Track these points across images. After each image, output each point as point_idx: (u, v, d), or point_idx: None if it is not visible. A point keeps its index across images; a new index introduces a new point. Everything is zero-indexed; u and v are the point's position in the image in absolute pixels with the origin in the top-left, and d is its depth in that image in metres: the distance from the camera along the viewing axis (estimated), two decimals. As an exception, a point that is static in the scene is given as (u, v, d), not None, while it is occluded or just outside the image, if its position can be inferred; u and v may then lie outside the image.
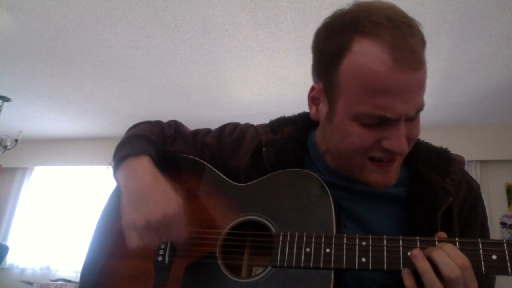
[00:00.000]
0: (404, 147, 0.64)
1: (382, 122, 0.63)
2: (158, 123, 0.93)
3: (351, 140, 0.66)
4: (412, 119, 0.65)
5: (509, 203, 3.98)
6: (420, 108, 0.64)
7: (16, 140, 4.49)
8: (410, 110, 0.62)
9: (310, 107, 0.75)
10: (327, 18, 0.69)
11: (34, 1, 2.58)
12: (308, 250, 0.64)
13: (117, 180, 0.80)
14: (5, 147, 4.54)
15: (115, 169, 0.80)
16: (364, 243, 0.61)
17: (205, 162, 0.86)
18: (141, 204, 0.71)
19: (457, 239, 0.58)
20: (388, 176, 0.69)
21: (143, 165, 0.77)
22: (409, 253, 0.58)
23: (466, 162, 0.77)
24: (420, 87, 0.63)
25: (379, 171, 0.68)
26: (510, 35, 2.66)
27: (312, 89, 0.73)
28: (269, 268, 0.66)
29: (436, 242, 0.59)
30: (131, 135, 0.87)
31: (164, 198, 0.71)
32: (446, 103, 3.74)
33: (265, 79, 3.51)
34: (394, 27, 0.61)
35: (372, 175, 0.68)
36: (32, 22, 2.81)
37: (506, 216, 3.94)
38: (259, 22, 2.69)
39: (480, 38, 2.70)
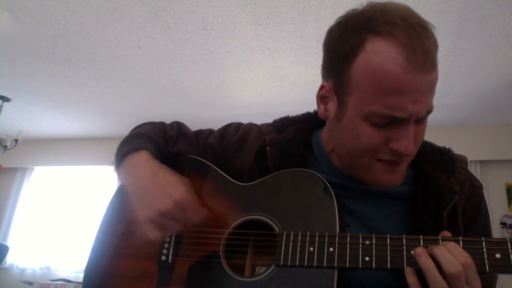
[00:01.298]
0: (412, 149, 0.64)
1: (392, 122, 0.63)
2: (160, 124, 0.93)
3: (360, 140, 0.66)
4: (421, 120, 0.65)
5: (509, 203, 3.98)
6: (430, 110, 0.64)
7: (16, 140, 4.49)
8: (421, 110, 0.62)
9: (318, 105, 0.75)
10: (340, 17, 0.69)
11: (34, 1, 2.58)
12: (311, 249, 0.64)
13: (120, 178, 0.81)
14: (5, 147, 4.54)
15: (117, 168, 0.81)
16: (367, 242, 0.61)
17: (208, 162, 0.86)
18: (148, 197, 0.72)
19: (460, 238, 0.58)
20: (395, 176, 0.69)
21: (142, 159, 0.78)
22: (412, 252, 0.58)
23: (468, 162, 0.77)
24: (431, 88, 0.63)
25: (386, 170, 0.68)
26: (510, 35, 2.66)
27: (322, 87, 0.72)
28: (273, 267, 0.66)
29: (440, 241, 0.59)
30: (132, 134, 0.88)
31: (167, 185, 0.72)
32: (446, 103, 3.74)
33: (265, 79, 3.51)
34: (409, 28, 0.61)
35: (379, 175, 0.68)
36: (32, 22, 2.81)
37: (506, 216, 3.94)
38: (259, 22, 2.69)
39: (480, 38, 2.70)
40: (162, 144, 0.88)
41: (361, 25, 0.64)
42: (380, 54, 0.61)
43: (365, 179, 0.70)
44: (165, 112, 4.31)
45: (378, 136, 0.64)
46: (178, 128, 0.94)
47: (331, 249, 0.63)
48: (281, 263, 0.65)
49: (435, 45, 0.63)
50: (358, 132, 0.65)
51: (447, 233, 0.60)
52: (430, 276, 0.55)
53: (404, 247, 0.59)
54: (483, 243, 0.57)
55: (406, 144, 0.63)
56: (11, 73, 3.62)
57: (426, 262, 0.56)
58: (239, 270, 0.72)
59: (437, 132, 4.10)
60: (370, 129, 0.64)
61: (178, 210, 0.70)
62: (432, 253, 0.56)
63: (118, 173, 0.81)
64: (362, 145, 0.66)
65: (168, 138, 0.91)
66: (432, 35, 0.63)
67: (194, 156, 0.88)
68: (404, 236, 0.60)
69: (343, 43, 0.66)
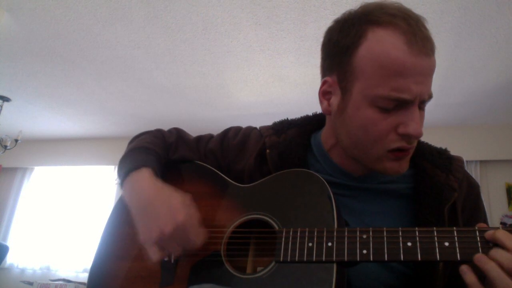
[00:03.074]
0: (420, 130, 0.65)
1: (397, 106, 0.65)
2: (158, 132, 0.93)
3: (368, 130, 0.67)
4: (423, 104, 0.67)
5: (509, 203, 3.98)
6: (430, 95, 0.67)
7: (16, 140, 4.49)
8: (424, 92, 0.65)
9: (321, 101, 0.76)
10: (337, 18, 0.72)
11: (34, 1, 2.58)
12: (310, 244, 0.65)
13: (124, 197, 0.82)
14: (5, 147, 4.54)
15: (121, 186, 0.82)
16: (365, 236, 0.62)
17: (209, 166, 0.87)
18: (151, 219, 0.71)
19: (455, 228, 0.59)
20: (402, 164, 0.70)
21: (144, 178, 0.78)
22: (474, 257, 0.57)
23: (465, 162, 0.79)
24: (431, 72, 0.66)
25: (395, 159, 0.69)
26: (510, 35, 2.66)
27: (324, 82, 0.74)
28: (273, 263, 0.67)
29: (435, 233, 0.59)
30: (132, 148, 0.87)
31: (170, 208, 0.72)
32: (446, 103, 3.74)
33: (265, 79, 3.51)
34: (407, 17, 0.65)
35: (388, 164, 0.69)
36: (32, 22, 2.81)
37: (506, 216, 3.94)
38: (259, 22, 2.69)
39: (480, 38, 2.71)
40: (163, 154, 0.88)
41: (361, 18, 0.67)
42: (382, 41, 0.64)
43: (374, 168, 0.71)
44: (165, 112, 4.31)
45: (385, 123, 0.66)
46: (177, 134, 0.94)
47: (329, 244, 0.63)
48: (281, 259, 0.66)
49: (430, 34, 0.66)
50: (364, 120, 0.67)
51: (483, 225, 0.60)
52: (495, 275, 0.53)
53: (401, 238, 0.60)
54: (477, 232, 0.58)
55: (414, 126, 0.65)
56: (11, 73, 3.63)
57: (489, 264, 0.54)
58: (241, 268, 0.73)
59: (437, 132, 4.12)
60: (376, 116, 0.66)
61: (179, 232, 0.70)
62: (491, 255, 0.55)
63: (122, 191, 0.82)
64: (372, 135, 0.67)
65: (168, 145, 0.91)
66: (426, 25, 0.67)
67: (195, 161, 0.89)
68: (400, 228, 0.61)
69: (345, 37, 0.68)
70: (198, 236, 0.72)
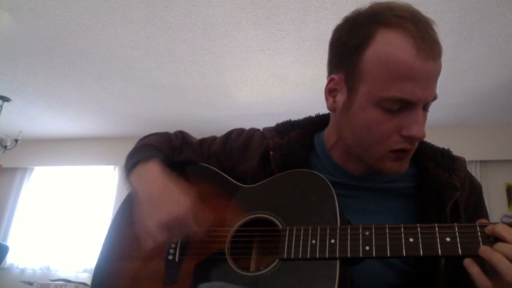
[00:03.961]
0: (423, 132, 0.66)
1: (401, 108, 0.65)
2: (165, 134, 0.96)
3: (373, 131, 0.68)
4: (426, 107, 0.68)
5: (509, 203, 3.98)
6: (435, 97, 0.67)
7: (16, 140, 4.49)
8: (429, 96, 0.65)
9: (326, 99, 0.76)
10: (346, 16, 0.73)
11: (34, 1, 2.58)
12: (313, 241, 0.65)
13: (130, 186, 0.84)
14: (5, 147, 4.54)
15: (128, 176, 0.84)
16: (367, 232, 0.63)
17: (212, 167, 0.88)
18: (154, 208, 0.74)
19: (456, 224, 0.60)
20: (403, 164, 0.71)
21: (153, 169, 0.80)
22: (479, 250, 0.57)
23: (467, 162, 0.79)
24: (437, 76, 0.66)
25: (396, 159, 0.70)
26: (510, 35, 2.67)
27: (331, 80, 0.74)
28: (276, 261, 0.67)
29: (436, 228, 0.60)
30: (140, 145, 0.91)
31: (178, 193, 0.74)
32: (446, 103, 3.74)
33: (265, 79, 3.51)
34: (416, 20, 0.65)
35: (389, 163, 0.70)
36: (32, 22, 2.81)
37: (506, 216, 3.94)
38: (259, 22, 2.69)
39: (480, 38, 2.71)
40: (169, 154, 0.90)
41: (370, 19, 0.68)
42: (391, 44, 0.64)
43: (375, 166, 0.72)
44: (165, 112, 4.32)
45: (389, 124, 0.66)
46: (182, 137, 0.96)
47: (332, 241, 0.64)
48: (285, 256, 0.66)
49: (439, 37, 0.66)
50: (369, 121, 0.67)
51: (484, 220, 0.61)
52: (503, 267, 0.54)
53: (403, 234, 0.61)
54: (477, 227, 0.59)
55: (417, 129, 0.66)
56: (11, 73, 3.63)
57: (496, 256, 0.55)
58: (245, 267, 0.73)
59: (437, 132, 4.13)
60: (381, 117, 0.66)
61: (186, 217, 0.72)
62: (496, 248, 0.56)
63: (129, 181, 0.84)
64: (375, 135, 0.68)
65: (173, 148, 0.93)
66: (435, 29, 0.67)
67: (200, 163, 0.90)
68: (402, 225, 0.62)
69: (354, 37, 0.69)
70: (203, 222, 0.74)
